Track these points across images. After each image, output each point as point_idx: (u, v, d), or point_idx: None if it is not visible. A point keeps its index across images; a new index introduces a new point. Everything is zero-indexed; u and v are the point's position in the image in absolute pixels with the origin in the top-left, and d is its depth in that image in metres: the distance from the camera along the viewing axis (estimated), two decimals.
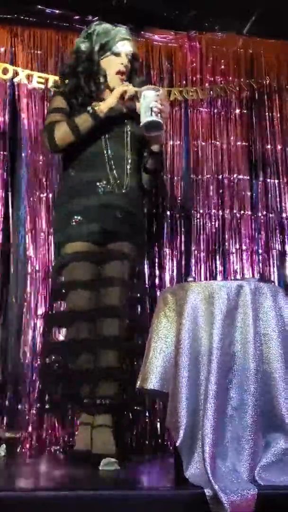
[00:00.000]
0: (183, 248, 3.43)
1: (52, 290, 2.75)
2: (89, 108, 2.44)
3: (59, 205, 2.60)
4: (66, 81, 2.60)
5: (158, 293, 3.30)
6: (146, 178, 2.63)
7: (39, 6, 3.33)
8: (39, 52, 3.37)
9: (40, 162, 3.28)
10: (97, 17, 3.38)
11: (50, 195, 3.24)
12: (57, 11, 3.41)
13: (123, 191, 2.47)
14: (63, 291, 2.46)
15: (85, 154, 2.51)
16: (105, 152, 2.49)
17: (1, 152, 3.26)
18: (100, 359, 2.34)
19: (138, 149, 2.57)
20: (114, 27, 2.61)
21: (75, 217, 2.45)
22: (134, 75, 2.65)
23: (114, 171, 2.47)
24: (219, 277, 3.39)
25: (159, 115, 2.33)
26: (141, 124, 2.35)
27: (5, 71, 3.29)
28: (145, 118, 2.33)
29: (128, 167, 2.50)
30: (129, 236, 2.50)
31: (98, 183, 2.46)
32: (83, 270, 2.42)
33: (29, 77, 3.32)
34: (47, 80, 3.32)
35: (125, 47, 2.56)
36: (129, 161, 2.51)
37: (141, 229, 2.64)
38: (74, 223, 2.44)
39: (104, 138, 2.50)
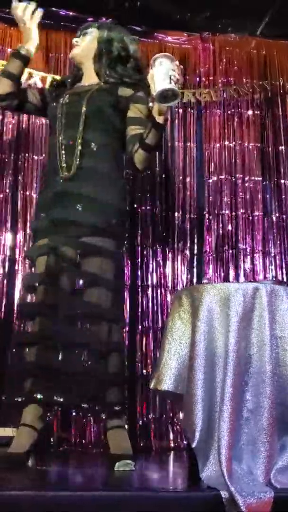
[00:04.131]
0: (195, 249, 3.44)
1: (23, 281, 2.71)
2: None
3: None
4: None
5: (169, 294, 3.33)
6: (142, 156, 2.41)
7: (53, 8, 3.34)
8: (53, 54, 3.39)
9: None
10: (110, 19, 3.41)
11: None
12: (71, 13, 3.44)
13: (70, 173, 2.37)
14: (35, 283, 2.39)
15: (48, 144, 2.56)
16: (58, 138, 2.44)
17: (12, 154, 3.28)
18: (107, 365, 2.31)
19: (101, 128, 2.46)
20: None
21: (39, 212, 2.47)
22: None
23: (64, 156, 2.40)
24: (231, 279, 3.39)
25: (176, 84, 2.19)
26: (158, 91, 2.17)
27: None
28: (162, 85, 2.16)
29: (79, 147, 2.40)
30: (101, 228, 2.34)
31: (53, 173, 2.43)
32: (44, 264, 2.34)
33: (43, 79, 3.34)
34: None
35: None
36: (80, 141, 2.40)
37: (112, 216, 2.39)
38: (39, 217, 2.46)
39: (59, 125, 2.46)
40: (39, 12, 2.52)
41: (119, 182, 2.49)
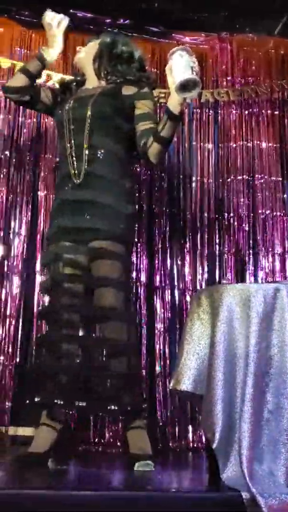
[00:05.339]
0: (214, 250, 3.43)
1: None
2: None
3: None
4: None
5: (187, 295, 3.32)
6: (156, 150, 2.38)
7: (71, 10, 3.36)
8: (72, 55, 3.40)
9: None
10: (128, 21, 3.43)
11: None
12: (89, 15, 3.46)
13: (79, 180, 2.38)
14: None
15: (59, 150, 2.61)
16: (67, 144, 2.45)
17: (28, 154, 3.31)
18: (124, 366, 2.31)
19: (107, 132, 2.45)
20: None
21: (52, 219, 2.49)
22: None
23: (75, 163, 2.41)
24: (250, 279, 3.38)
25: (197, 75, 2.20)
26: (180, 81, 2.17)
27: None
28: (184, 76, 2.17)
29: (86, 152, 2.40)
30: (110, 233, 2.35)
31: (64, 179, 2.44)
32: (52, 270, 2.39)
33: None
34: None
35: None
36: (86, 146, 2.41)
37: (119, 221, 2.39)
38: (51, 224, 2.49)
39: (67, 130, 2.47)
40: (65, 21, 2.55)
41: (126, 186, 2.46)
